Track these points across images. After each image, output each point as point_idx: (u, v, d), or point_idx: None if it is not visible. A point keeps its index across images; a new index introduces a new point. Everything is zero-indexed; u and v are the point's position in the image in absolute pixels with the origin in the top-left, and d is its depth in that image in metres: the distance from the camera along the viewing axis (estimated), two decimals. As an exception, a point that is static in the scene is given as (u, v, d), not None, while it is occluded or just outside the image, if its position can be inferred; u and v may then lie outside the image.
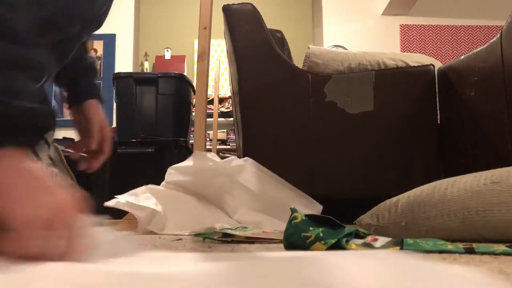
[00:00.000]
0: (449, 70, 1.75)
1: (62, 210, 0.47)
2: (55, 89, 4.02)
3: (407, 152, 1.74)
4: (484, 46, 1.52)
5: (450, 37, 4.92)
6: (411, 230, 0.97)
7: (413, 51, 4.82)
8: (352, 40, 4.71)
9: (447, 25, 4.92)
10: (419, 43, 4.88)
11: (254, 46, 1.76)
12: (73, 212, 0.48)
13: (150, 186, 1.37)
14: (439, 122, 1.82)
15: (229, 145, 4.75)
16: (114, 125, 2.78)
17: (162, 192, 1.36)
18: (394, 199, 1.04)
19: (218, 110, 4.08)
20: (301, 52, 2.06)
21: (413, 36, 4.87)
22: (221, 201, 1.37)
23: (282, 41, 2.37)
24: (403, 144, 1.75)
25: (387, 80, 1.77)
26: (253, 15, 1.77)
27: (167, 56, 5.21)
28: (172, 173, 1.42)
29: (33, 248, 0.44)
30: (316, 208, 1.38)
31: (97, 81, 1.02)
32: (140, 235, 1.17)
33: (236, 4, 1.76)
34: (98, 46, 4.75)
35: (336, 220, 0.82)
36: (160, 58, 5.22)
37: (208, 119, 2.04)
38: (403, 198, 1.03)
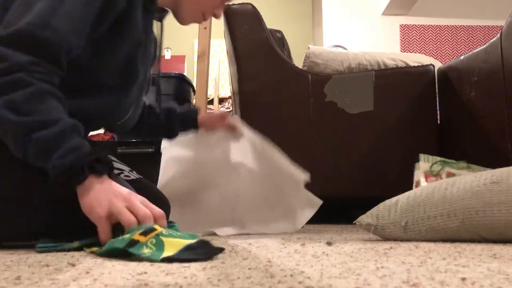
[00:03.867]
0: (449, 70, 1.75)
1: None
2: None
3: (407, 152, 1.74)
4: (484, 46, 1.52)
5: (450, 37, 4.92)
6: (411, 230, 0.97)
7: (413, 51, 4.82)
8: (352, 40, 4.72)
9: (447, 25, 4.92)
10: (419, 43, 4.88)
11: (254, 46, 1.76)
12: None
13: None
14: (439, 122, 1.82)
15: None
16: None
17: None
18: (394, 199, 1.04)
19: (218, 110, 4.08)
20: (301, 52, 2.06)
21: (413, 36, 4.88)
22: (218, 187, 1.34)
23: (282, 41, 2.37)
24: (403, 144, 1.75)
25: (387, 80, 1.77)
26: (253, 15, 1.77)
27: (167, 56, 5.21)
28: (167, 148, 1.40)
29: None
30: (315, 203, 1.36)
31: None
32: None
33: (236, 4, 1.76)
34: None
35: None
36: (160, 58, 5.22)
37: (208, 119, 2.03)
38: (403, 198, 1.03)
